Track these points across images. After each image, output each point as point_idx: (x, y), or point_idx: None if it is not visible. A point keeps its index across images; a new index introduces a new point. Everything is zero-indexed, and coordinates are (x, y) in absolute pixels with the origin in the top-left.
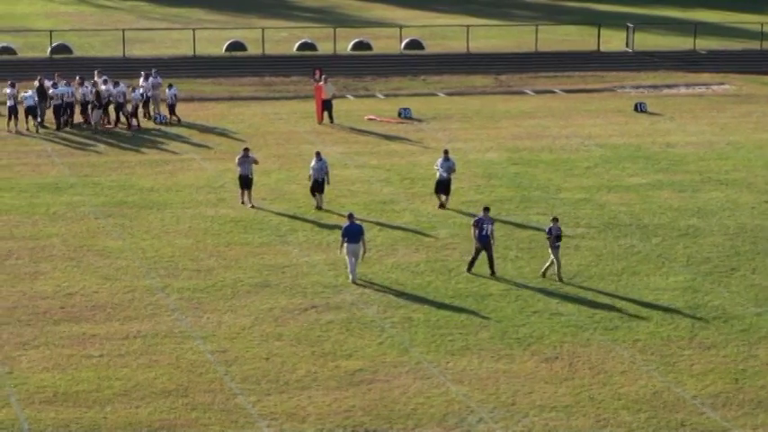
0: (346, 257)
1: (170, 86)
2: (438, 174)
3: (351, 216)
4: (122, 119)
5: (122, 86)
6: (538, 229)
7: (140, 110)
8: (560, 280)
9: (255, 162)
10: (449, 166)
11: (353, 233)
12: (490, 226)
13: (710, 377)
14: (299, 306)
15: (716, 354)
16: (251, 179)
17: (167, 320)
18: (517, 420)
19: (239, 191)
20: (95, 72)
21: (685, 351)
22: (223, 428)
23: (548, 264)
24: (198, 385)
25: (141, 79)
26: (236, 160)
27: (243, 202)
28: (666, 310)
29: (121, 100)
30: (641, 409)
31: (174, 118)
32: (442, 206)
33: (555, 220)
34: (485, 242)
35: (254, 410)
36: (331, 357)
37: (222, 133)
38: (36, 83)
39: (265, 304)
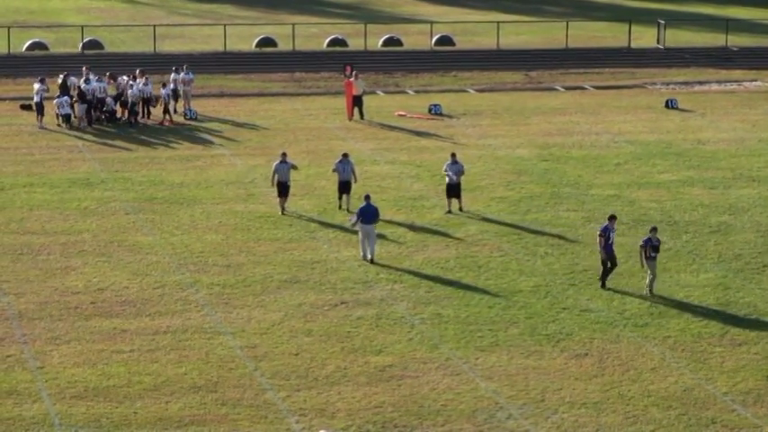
0: (360, 238)
1: (164, 86)
2: (447, 178)
3: (367, 197)
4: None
5: (139, 84)
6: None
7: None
8: (651, 293)
9: (294, 167)
10: (458, 169)
11: (369, 214)
12: (614, 235)
13: (741, 374)
14: (328, 302)
15: (747, 351)
16: (288, 186)
17: (197, 316)
18: (546, 417)
19: (278, 199)
20: (84, 68)
21: (716, 348)
22: (252, 424)
23: (651, 277)
24: (227, 381)
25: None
26: (273, 166)
27: (283, 212)
28: (697, 306)
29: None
30: (671, 406)
31: (168, 117)
32: (450, 212)
33: (654, 230)
34: (611, 252)
35: (284, 406)
36: (361, 353)
37: (252, 129)
38: (59, 79)
39: (295, 300)
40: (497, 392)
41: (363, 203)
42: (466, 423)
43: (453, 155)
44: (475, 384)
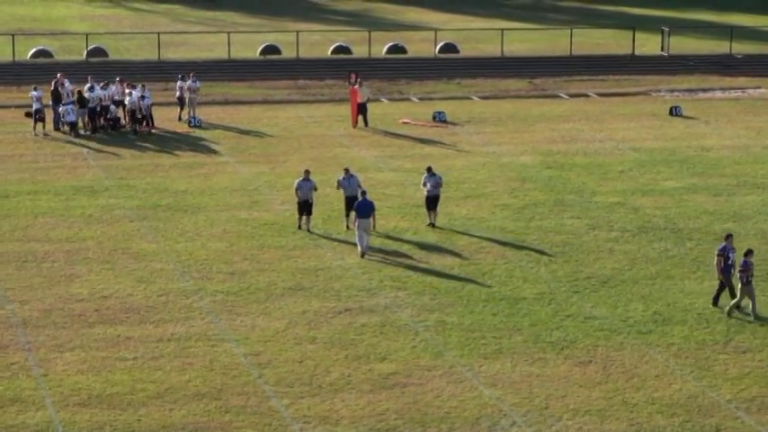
0: (356, 232)
1: (143, 98)
2: (425, 191)
3: (363, 193)
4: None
5: (138, 91)
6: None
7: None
8: (757, 317)
9: (315, 188)
10: (435, 181)
11: (365, 209)
12: (734, 255)
13: (746, 381)
14: (332, 309)
15: (751, 358)
16: (311, 204)
17: (201, 323)
18: (550, 424)
19: (297, 216)
20: (58, 74)
21: (720, 355)
22: (256, 431)
23: (737, 300)
24: (231, 388)
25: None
26: (296, 184)
27: (300, 227)
28: (701, 313)
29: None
30: (675, 414)
31: (146, 128)
32: (432, 224)
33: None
34: (730, 273)
35: (288, 413)
36: (364, 360)
37: (257, 136)
38: (52, 86)
39: (299, 307)
40: (501, 400)
41: (360, 199)
42: (470, 430)
43: (429, 168)
44: (479, 392)
